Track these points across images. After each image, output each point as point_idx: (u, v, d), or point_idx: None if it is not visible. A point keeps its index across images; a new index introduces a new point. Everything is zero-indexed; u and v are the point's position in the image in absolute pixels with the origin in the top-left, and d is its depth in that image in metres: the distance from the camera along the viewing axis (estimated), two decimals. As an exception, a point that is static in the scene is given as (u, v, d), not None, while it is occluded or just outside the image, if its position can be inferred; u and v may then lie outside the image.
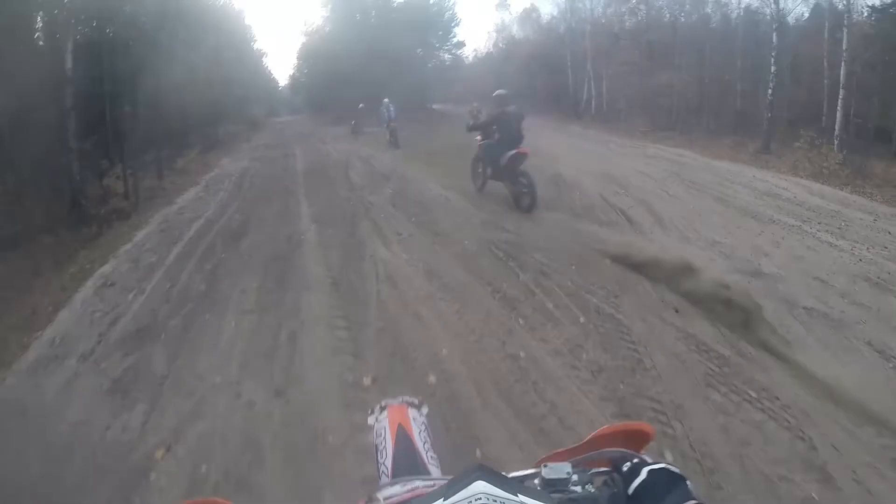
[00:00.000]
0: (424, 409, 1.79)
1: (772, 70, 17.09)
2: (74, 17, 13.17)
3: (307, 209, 10.73)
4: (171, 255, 8.98)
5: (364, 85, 24.51)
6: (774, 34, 17.17)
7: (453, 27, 29.12)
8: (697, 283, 6.09)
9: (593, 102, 25.69)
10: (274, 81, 34.02)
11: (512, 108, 9.27)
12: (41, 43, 12.92)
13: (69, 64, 12.47)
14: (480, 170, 10.26)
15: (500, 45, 33.18)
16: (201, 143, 20.35)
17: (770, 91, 17.09)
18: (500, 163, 9.20)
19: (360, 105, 22.25)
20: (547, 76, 28.04)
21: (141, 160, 16.60)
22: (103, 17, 14.14)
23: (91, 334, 6.14)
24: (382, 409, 1.75)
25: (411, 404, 1.78)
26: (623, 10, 24.24)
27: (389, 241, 8.22)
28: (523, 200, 9.14)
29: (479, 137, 10.06)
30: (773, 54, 17.13)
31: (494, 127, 9.33)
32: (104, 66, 13.55)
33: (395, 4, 28.13)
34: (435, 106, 28.63)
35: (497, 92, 9.52)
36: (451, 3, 28.83)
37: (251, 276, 7.52)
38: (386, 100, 19.52)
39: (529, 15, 31.88)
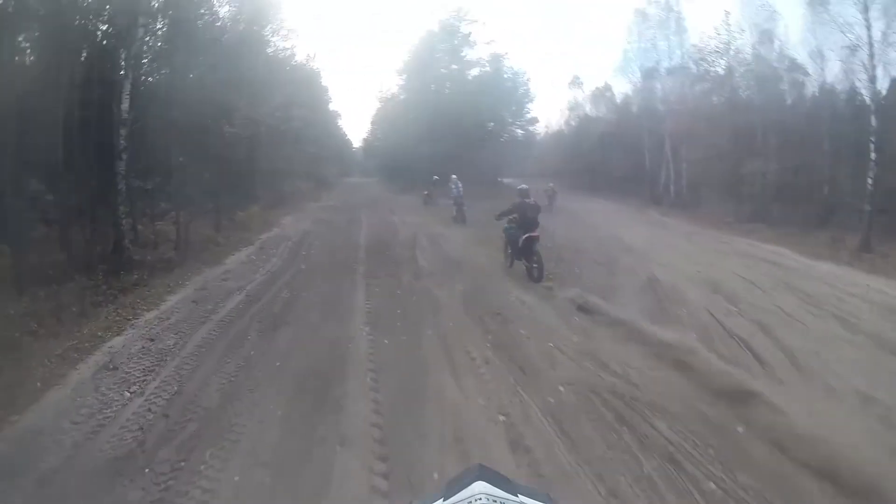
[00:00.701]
0: None
1: (872, 157, 14.38)
2: (136, 58, 12.07)
3: (363, 301, 8.78)
4: (192, 340, 7.21)
5: (435, 156, 23.02)
6: (873, 116, 14.54)
7: (527, 103, 27.53)
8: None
9: (672, 187, 23.32)
10: (348, 143, 33.14)
11: (530, 201, 10.55)
12: (96, 86, 11.76)
13: (125, 105, 11.28)
14: (509, 251, 10.81)
15: (572, 122, 31.41)
16: (268, 198, 19.04)
17: (871, 180, 14.36)
18: (518, 244, 10.17)
19: (435, 177, 20.79)
20: (622, 156, 25.86)
21: (201, 208, 15.42)
22: (170, 59, 13.10)
23: (62, 445, 4.74)
24: None
25: None
26: (705, 88, 21.94)
27: (460, 370, 6.10)
28: (532, 273, 9.96)
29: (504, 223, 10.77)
30: (872, 139, 14.45)
31: (515, 215, 10.32)
32: (163, 112, 12.29)
33: (469, 77, 26.80)
34: (506, 181, 26.92)
35: (519, 187, 11.09)
36: (525, 78, 27.37)
37: (277, 397, 5.54)
38: (454, 176, 18.16)
39: (603, 93, 30.13)
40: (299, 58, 23.09)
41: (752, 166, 19.35)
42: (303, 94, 23.14)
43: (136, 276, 9.97)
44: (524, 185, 11.08)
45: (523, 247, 10.09)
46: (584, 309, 8.09)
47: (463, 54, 26.83)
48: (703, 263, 11.95)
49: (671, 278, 10.35)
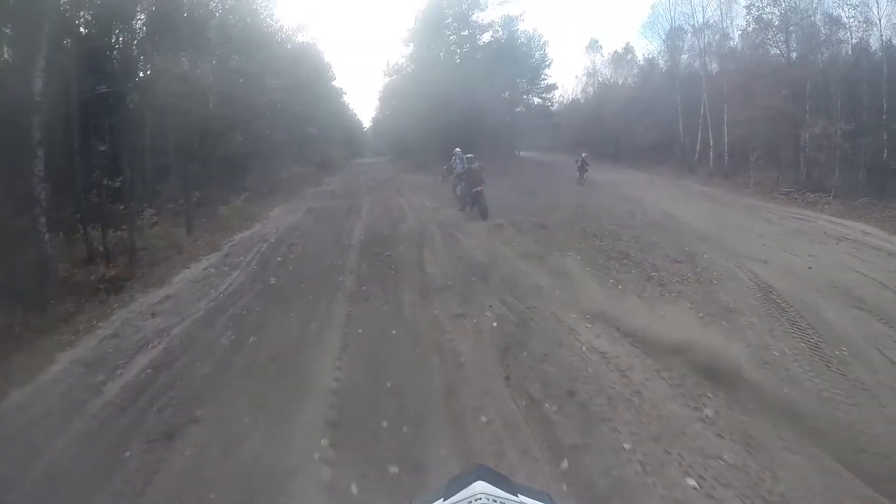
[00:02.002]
0: None
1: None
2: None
3: (333, 357, 5.00)
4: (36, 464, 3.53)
5: (447, 130, 19.15)
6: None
7: (544, 69, 23.19)
8: None
9: (711, 154, 19.09)
10: (358, 123, 29.14)
11: (475, 166, 11.76)
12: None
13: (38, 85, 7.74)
14: (464, 201, 11.64)
15: (590, 89, 26.98)
16: (259, 187, 15.34)
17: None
18: (470, 195, 11.27)
19: (457, 149, 16.72)
20: (649, 123, 21.59)
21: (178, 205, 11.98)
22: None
23: None
24: None
25: None
26: (752, 43, 17.49)
27: None
28: (482, 214, 10.73)
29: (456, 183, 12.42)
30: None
31: (465, 176, 11.81)
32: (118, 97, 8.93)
33: (481, 43, 22.51)
34: (523, 153, 22.87)
35: (467, 155, 12.91)
36: (541, 42, 22.99)
37: None
38: (458, 149, 13.55)
39: (624, 56, 25.63)
40: (294, 30, 19.16)
41: (816, 129, 15.16)
42: (301, 72, 19.24)
43: (72, 306, 7.07)
44: (470, 155, 12.85)
45: (474, 197, 11.22)
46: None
47: (473, 18, 22.50)
48: (803, 254, 8.36)
49: (786, 284, 6.62)
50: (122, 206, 11.19)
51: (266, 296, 7.05)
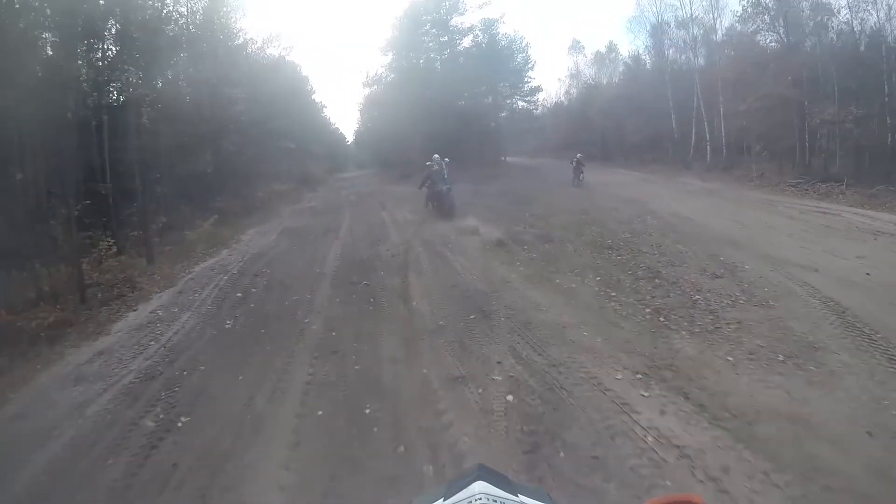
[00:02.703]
0: None
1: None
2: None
3: (278, 465, 3.21)
4: None
5: (431, 139, 17.77)
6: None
7: (527, 71, 21.72)
8: None
9: (708, 148, 17.63)
10: (341, 136, 27.55)
11: (436, 168, 11.78)
12: None
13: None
14: (430, 202, 11.70)
15: (573, 91, 25.56)
16: (233, 207, 13.64)
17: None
18: (437, 195, 11.39)
19: (435, 155, 15.29)
20: (636, 121, 20.22)
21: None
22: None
23: None
24: None
25: None
26: (749, 30, 16.07)
27: None
28: (444, 212, 10.95)
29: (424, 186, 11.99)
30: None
31: (430, 181, 11.70)
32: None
33: (461, 49, 21.04)
34: (510, 159, 21.30)
35: (427, 163, 12.31)
36: (523, 44, 21.53)
37: None
38: (436, 155, 12.39)
39: (607, 55, 24.26)
40: (265, 41, 17.49)
41: (825, 114, 13.74)
42: (274, 85, 17.58)
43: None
44: (436, 156, 12.32)
45: (438, 197, 11.31)
46: None
47: (452, 23, 21.05)
48: (849, 255, 7.03)
49: (854, 300, 5.29)
50: (87, 236, 9.78)
51: (215, 348, 5.35)
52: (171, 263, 9.50)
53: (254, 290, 7.13)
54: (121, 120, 11.03)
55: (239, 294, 7.04)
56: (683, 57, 19.17)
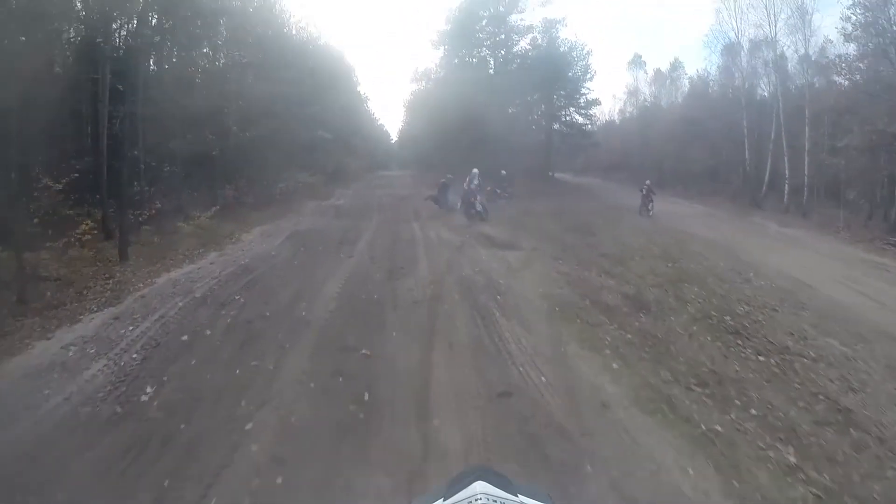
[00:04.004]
0: None
1: None
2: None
3: None
4: None
5: (475, 143, 15.20)
6: None
7: (586, 81, 18.64)
8: None
9: (786, 187, 14.39)
10: (385, 133, 25.12)
11: (445, 182, 11.50)
12: None
13: None
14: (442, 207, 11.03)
15: (630, 109, 22.43)
16: (248, 196, 11.24)
17: None
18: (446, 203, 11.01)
19: (502, 172, 13.36)
20: (703, 148, 17.02)
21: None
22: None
23: None
24: None
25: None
26: (850, 56, 12.75)
27: None
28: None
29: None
30: None
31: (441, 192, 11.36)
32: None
33: (516, 50, 18.19)
34: (558, 175, 18.33)
35: (441, 181, 11.70)
36: (584, 51, 18.46)
37: None
38: (475, 170, 11.03)
39: (670, 74, 21.02)
40: (303, 19, 15.06)
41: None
42: (312, 67, 15.17)
43: None
44: (450, 175, 11.71)
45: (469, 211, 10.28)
46: None
47: (511, 20, 18.22)
48: None
49: None
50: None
51: (89, 458, 2.83)
52: (147, 263, 7.11)
53: (207, 333, 4.55)
54: (124, 76, 8.66)
55: (184, 338, 4.49)
56: (762, 82, 15.89)
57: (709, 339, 4.28)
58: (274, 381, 3.62)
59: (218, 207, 9.37)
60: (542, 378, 3.47)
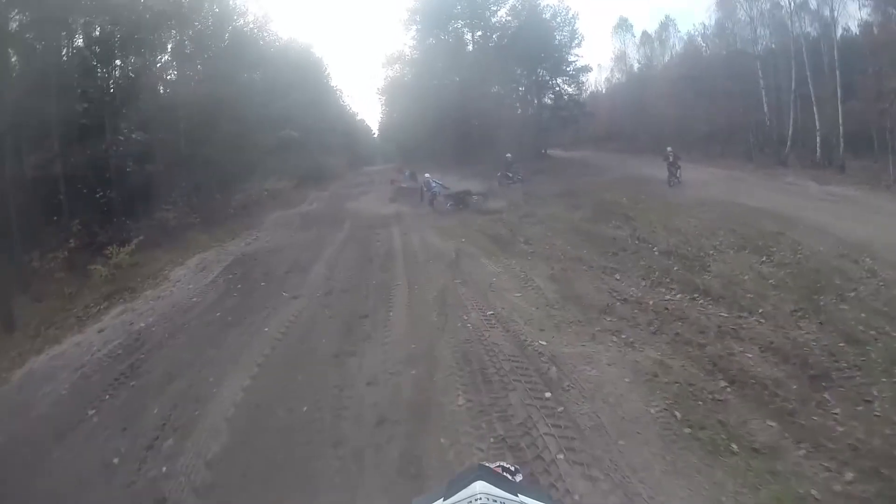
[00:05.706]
0: (518, 477, 0.94)
1: None
2: None
3: None
4: None
5: (460, 126, 12.88)
6: None
7: (573, 48, 15.88)
8: None
9: (818, 140, 11.86)
10: (366, 128, 22.37)
11: (427, 177, 10.17)
12: None
13: None
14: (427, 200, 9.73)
15: (616, 76, 19.58)
16: (190, 216, 8.56)
17: None
18: (433, 196, 9.67)
19: (507, 155, 11.65)
20: (710, 107, 14.32)
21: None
22: None
23: None
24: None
25: (506, 470, 0.94)
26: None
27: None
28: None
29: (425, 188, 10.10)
30: None
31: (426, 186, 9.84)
32: None
33: (495, 22, 15.53)
34: (553, 152, 15.70)
35: (425, 175, 10.39)
36: (570, 15, 15.72)
37: None
38: (509, 154, 10.70)
39: (659, 35, 18.14)
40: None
41: None
42: (281, 67, 12.59)
43: None
44: (427, 175, 10.48)
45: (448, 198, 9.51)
46: None
47: (486, -9, 15.49)
48: None
49: None
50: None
51: None
52: (36, 328, 4.62)
53: None
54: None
55: None
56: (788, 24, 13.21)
57: None
58: None
59: (141, 238, 6.77)
60: None
